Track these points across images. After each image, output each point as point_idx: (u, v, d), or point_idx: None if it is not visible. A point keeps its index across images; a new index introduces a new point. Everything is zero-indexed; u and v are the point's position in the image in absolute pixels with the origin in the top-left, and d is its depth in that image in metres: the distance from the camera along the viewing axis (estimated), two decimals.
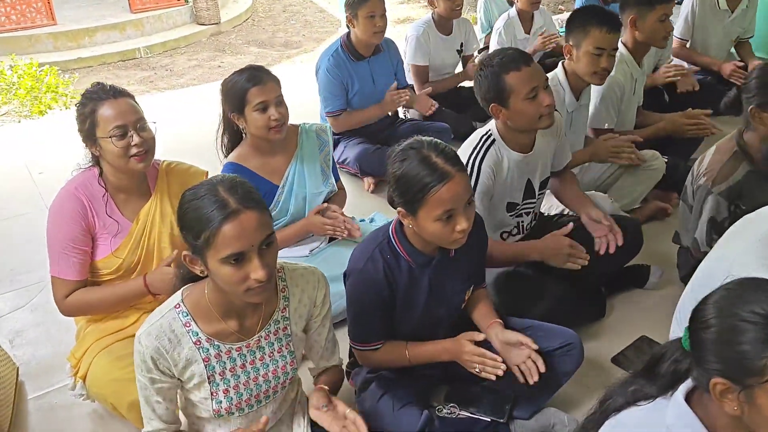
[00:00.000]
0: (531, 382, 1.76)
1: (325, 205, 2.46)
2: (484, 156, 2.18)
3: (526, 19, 4.15)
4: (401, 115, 3.84)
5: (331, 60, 3.27)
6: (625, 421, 1.20)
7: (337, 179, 2.59)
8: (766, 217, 1.76)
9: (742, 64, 3.88)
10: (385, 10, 3.22)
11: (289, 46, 8.31)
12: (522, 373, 1.78)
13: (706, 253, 1.93)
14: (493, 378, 1.77)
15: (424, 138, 1.70)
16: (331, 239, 2.56)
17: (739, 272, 1.62)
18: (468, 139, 2.29)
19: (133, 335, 1.99)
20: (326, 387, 1.64)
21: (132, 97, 1.94)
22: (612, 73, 2.90)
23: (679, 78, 3.56)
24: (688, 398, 1.16)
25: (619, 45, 2.99)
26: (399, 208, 1.70)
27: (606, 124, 2.99)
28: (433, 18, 3.80)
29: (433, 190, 1.59)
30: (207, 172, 2.14)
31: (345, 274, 1.85)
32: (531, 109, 2.09)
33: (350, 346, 1.93)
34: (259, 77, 2.23)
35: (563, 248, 2.12)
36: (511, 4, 4.21)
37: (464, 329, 1.89)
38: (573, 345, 1.93)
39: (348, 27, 3.29)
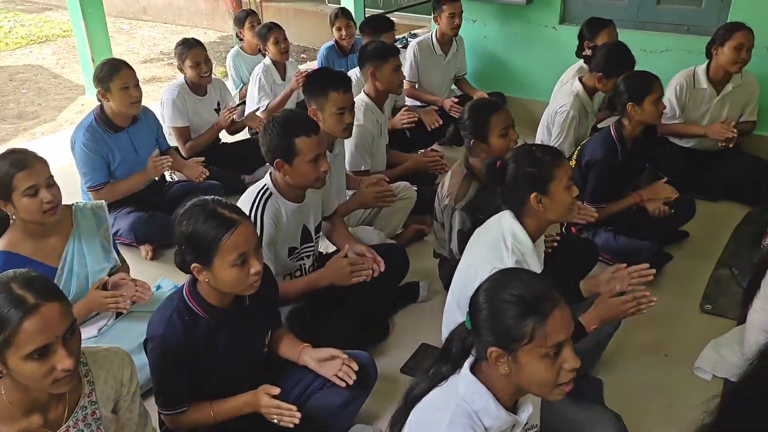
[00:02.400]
0: (350, 383, 1.98)
1: (106, 278, 2.41)
2: (264, 208, 2.37)
3: (279, 68, 4.49)
4: (168, 178, 3.86)
5: (87, 134, 3.18)
6: (428, 403, 1.47)
7: (118, 253, 2.56)
8: (492, 227, 2.19)
9: (457, 99, 4.55)
10: (138, 80, 3.22)
11: (24, 118, 7.65)
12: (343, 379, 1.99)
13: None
14: (291, 426, 1.89)
15: (205, 197, 1.85)
16: (119, 314, 2.53)
17: (483, 273, 2.01)
18: (245, 194, 2.46)
19: None
20: None
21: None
22: (361, 122, 3.29)
23: (413, 123, 4.00)
24: (474, 370, 1.46)
25: (363, 96, 3.40)
26: (194, 265, 1.80)
27: (362, 167, 3.36)
28: (186, 81, 3.90)
29: (225, 237, 1.75)
30: None
31: (145, 342, 1.89)
32: (312, 171, 2.35)
33: (158, 413, 1.96)
34: (25, 161, 2.16)
35: (344, 267, 2.40)
36: (263, 54, 4.48)
37: (271, 376, 2.03)
38: (368, 366, 2.16)
39: (100, 100, 3.23)
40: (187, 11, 10.21)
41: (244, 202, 2.40)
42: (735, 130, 3.62)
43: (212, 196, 1.84)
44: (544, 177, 2.06)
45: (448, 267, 2.89)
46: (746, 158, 3.90)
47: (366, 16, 5.42)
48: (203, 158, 3.71)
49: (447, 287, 2.89)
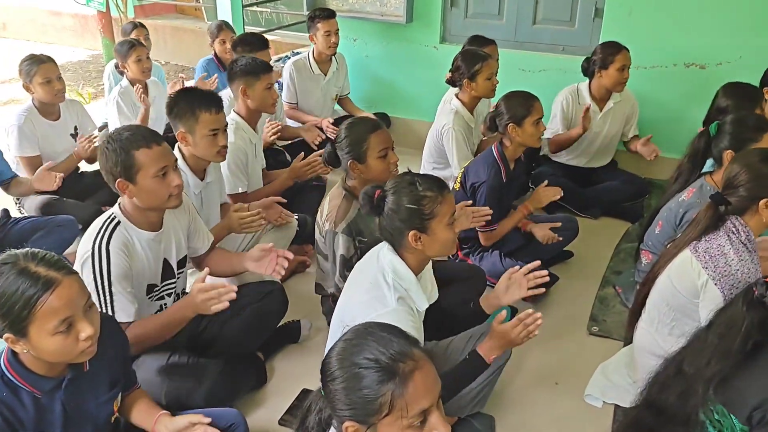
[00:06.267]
0: None
1: None
2: (110, 239, 2.08)
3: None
4: (16, 213, 3.41)
5: None
6: None
7: None
8: (370, 263, 2.02)
9: (332, 120, 4.38)
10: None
11: None
12: None
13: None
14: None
15: (17, 251, 1.53)
16: None
17: (362, 315, 1.83)
18: (90, 227, 2.16)
19: None
20: None
21: None
22: (232, 140, 3.04)
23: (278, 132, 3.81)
24: None
25: (233, 115, 3.15)
26: (6, 335, 1.49)
27: (240, 188, 3.11)
28: (34, 104, 3.47)
29: (40, 302, 1.45)
30: None
31: None
32: (160, 187, 2.10)
33: None
34: None
35: (195, 296, 2.05)
36: (122, 73, 4.14)
37: None
38: (236, 424, 1.94)
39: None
40: (52, 28, 9.46)
41: (89, 235, 2.11)
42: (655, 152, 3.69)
43: (27, 249, 1.52)
44: (425, 215, 1.90)
45: (330, 302, 2.69)
46: (624, 175, 3.99)
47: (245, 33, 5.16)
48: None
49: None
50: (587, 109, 3.69)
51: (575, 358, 2.70)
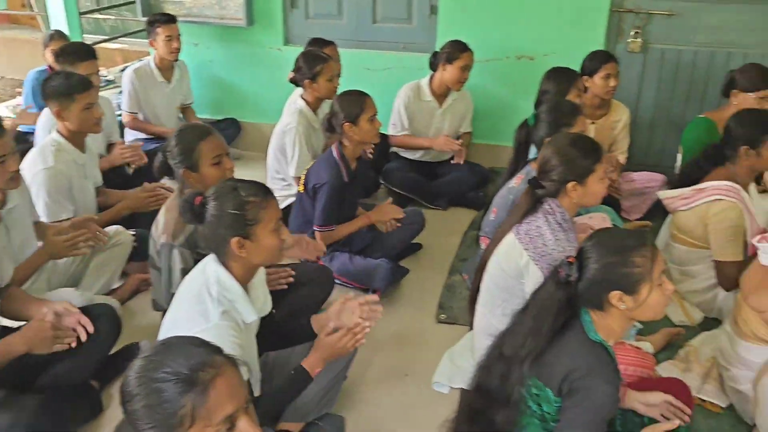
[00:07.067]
0: None
1: None
2: None
3: None
4: None
5: None
6: None
7: None
8: (196, 276, 1.96)
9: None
10: None
11: None
12: None
13: None
14: None
15: None
16: None
17: (184, 331, 1.75)
18: None
19: None
20: None
21: None
22: (51, 164, 2.83)
23: (136, 158, 3.57)
24: None
25: (55, 135, 2.93)
26: None
27: (63, 215, 2.88)
28: None
29: None
30: None
31: None
32: None
33: None
34: None
35: (45, 331, 2.03)
36: None
37: None
38: None
39: None
40: None
41: None
42: (459, 142, 3.86)
43: None
44: (248, 220, 1.85)
45: None
46: (468, 166, 4.13)
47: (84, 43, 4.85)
48: None
49: None
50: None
51: (425, 347, 2.76)
